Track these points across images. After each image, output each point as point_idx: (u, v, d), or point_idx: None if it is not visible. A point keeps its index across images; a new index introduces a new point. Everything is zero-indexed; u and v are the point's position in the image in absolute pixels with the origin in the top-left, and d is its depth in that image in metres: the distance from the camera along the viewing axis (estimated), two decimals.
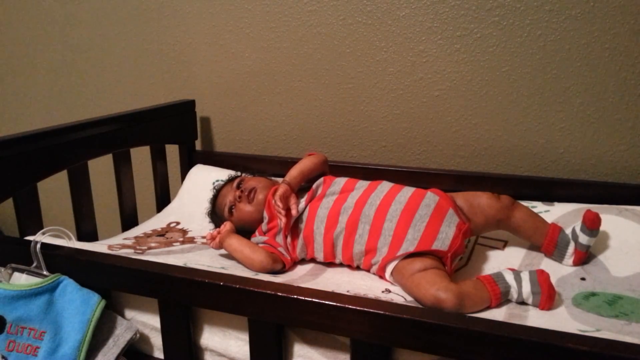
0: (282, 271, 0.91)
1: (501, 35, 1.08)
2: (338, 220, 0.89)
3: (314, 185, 0.95)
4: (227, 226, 0.94)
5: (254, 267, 0.88)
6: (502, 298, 0.75)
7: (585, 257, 0.87)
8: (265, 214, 0.95)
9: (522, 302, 0.75)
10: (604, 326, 0.68)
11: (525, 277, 0.75)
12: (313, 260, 0.95)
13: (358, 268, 0.91)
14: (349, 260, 0.90)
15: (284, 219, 0.89)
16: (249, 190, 0.98)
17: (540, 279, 0.74)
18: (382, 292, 0.82)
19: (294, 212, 0.90)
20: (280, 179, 0.96)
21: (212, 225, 1.07)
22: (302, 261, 0.95)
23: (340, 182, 0.95)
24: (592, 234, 0.85)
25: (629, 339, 0.63)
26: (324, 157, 1.01)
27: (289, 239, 0.92)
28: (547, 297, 0.73)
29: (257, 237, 0.95)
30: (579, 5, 1.02)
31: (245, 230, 0.97)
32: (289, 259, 0.91)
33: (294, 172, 0.95)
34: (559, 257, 0.88)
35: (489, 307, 0.74)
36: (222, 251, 0.94)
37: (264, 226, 0.96)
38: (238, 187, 1.00)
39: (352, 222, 0.88)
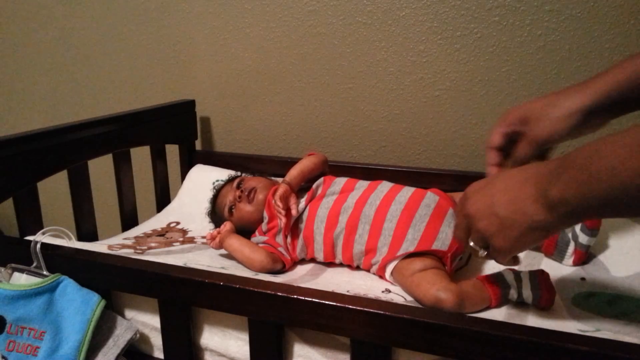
0: (282, 271, 0.91)
1: (501, 35, 1.08)
2: (338, 220, 0.89)
3: (314, 185, 0.95)
4: (227, 226, 0.94)
5: (254, 267, 0.88)
6: (502, 298, 0.75)
7: (585, 257, 0.87)
8: (265, 214, 0.95)
9: (522, 302, 0.75)
10: (603, 326, 0.68)
11: (525, 277, 0.75)
12: (313, 260, 0.95)
13: (358, 268, 0.91)
14: (349, 260, 0.90)
15: (284, 219, 0.89)
16: (249, 190, 0.98)
17: (541, 280, 0.74)
18: (382, 292, 0.82)
19: (293, 212, 0.90)
20: (280, 179, 0.96)
21: (212, 225, 1.07)
22: (302, 261, 0.95)
23: (340, 182, 0.95)
24: (592, 234, 0.85)
25: (628, 339, 0.63)
26: (324, 157, 1.01)
27: (288, 239, 0.92)
28: (547, 297, 0.73)
29: (257, 237, 0.95)
30: (579, 5, 1.02)
31: (245, 230, 0.97)
32: (289, 259, 0.91)
33: (294, 172, 0.95)
34: (559, 257, 0.88)
35: (488, 307, 0.74)
36: (222, 251, 0.94)
37: (264, 226, 0.96)
38: (238, 187, 1.00)
39: (352, 222, 0.88)
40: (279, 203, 0.89)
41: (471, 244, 0.66)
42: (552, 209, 0.55)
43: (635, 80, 0.66)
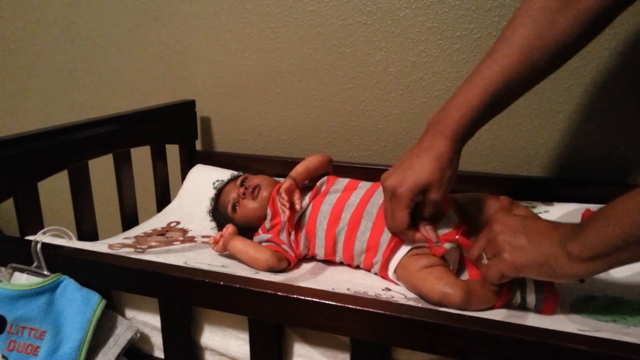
0: (288, 269, 0.91)
1: None
2: (341, 217, 0.89)
3: (318, 183, 0.96)
4: (229, 229, 0.94)
5: (260, 266, 0.88)
6: (507, 301, 0.75)
7: None
8: (269, 211, 0.95)
9: (524, 308, 0.75)
10: (603, 328, 0.68)
11: (530, 281, 0.75)
12: (314, 257, 0.95)
13: (358, 268, 0.91)
14: (349, 258, 0.90)
15: (287, 212, 0.89)
16: (253, 187, 0.98)
17: (545, 284, 0.73)
18: (383, 290, 0.82)
19: (297, 207, 0.90)
20: (282, 179, 0.97)
21: (212, 224, 1.07)
22: (303, 259, 0.95)
23: (343, 181, 0.96)
24: None
25: (628, 339, 0.63)
26: (329, 157, 1.02)
27: (292, 235, 0.92)
28: (550, 301, 0.72)
29: (261, 235, 0.96)
30: None
31: (248, 228, 0.98)
32: (293, 256, 0.91)
33: (299, 168, 0.95)
34: None
35: (492, 307, 0.74)
36: None
37: (267, 223, 0.96)
38: (242, 184, 1.01)
39: (354, 218, 0.88)
40: (283, 196, 0.89)
41: (480, 248, 0.71)
42: (573, 261, 0.61)
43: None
